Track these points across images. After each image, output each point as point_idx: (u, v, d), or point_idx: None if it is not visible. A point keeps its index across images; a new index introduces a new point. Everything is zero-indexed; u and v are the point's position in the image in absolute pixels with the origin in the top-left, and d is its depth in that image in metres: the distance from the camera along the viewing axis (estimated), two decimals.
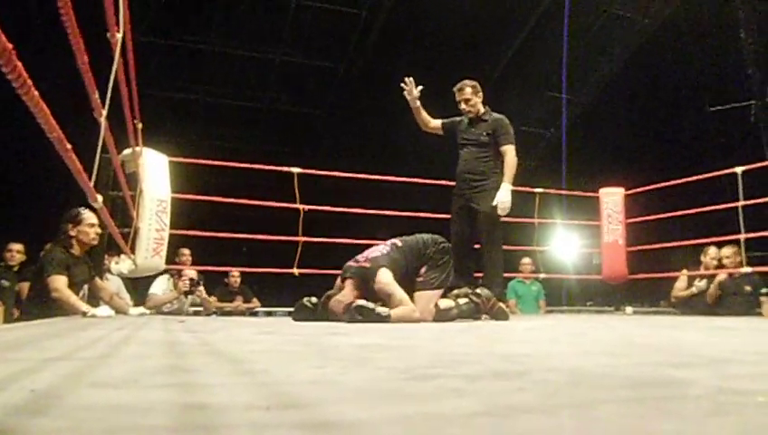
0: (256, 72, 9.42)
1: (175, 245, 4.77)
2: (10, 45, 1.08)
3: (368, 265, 3.39)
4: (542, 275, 6.48)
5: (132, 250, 4.22)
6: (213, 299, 5.96)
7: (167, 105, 8.94)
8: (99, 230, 4.00)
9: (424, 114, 4.40)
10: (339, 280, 3.50)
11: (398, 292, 3.28)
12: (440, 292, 3.50)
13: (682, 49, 9.21)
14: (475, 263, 4.39)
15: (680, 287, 5.77)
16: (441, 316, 3.38)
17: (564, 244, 8.23)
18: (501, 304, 3.80)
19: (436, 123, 4.46)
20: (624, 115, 10.20)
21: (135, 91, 3.04)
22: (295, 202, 4.98)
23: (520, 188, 5.53)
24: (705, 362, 1.33)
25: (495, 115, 4.32)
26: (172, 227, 4.48)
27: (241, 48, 9.01)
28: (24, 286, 4.90)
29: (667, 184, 5.92)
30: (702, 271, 5.65)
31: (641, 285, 6.98)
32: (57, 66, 3.62)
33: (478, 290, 3.68)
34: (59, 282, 3.66)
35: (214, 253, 5.79)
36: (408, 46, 8.99)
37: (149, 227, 4.32)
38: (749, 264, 5.27)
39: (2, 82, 1.19)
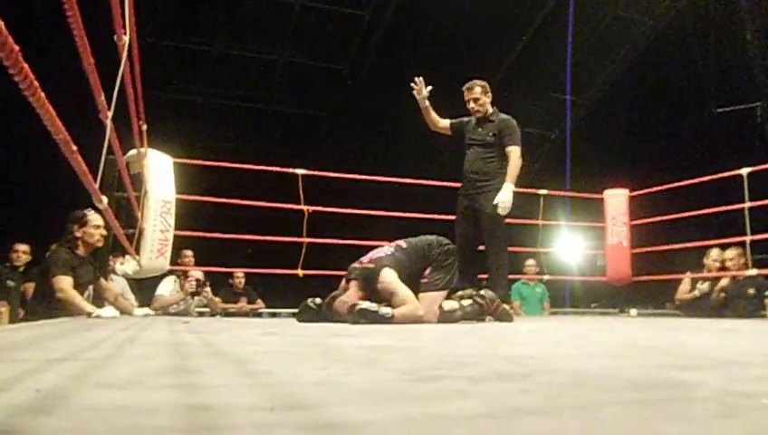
0: (261, 73, 9.43)
1: (177, 246, 4.77)
2: (17, 47, 1.08)
3: (372, 265, 3.39)
4: (546, 277, 6.47)
5: (137, 251, 4.24)
6: (217, 300, 5.97)
7: (171, 107, 8.97)
8: (104, 232, 4.02)
9: (433, 114, 4.42)
10: (343, 281, 3.50)
11: (402, 290, 3.28)
12: (444, 293, 3.50)
13: (687, 50, 9.18)
14: (480, 264, 4.38)
15: (684, 290, 5.75)
16: (445, 318, 3.38)
17: (568, 245, 8.21)
18: (505, 306, 3.79)
19: (444, 123, 4.48)
20: (629, 116, 10.17)
21: (140, 92, 3.05)
22: (299, 203, 4.99)
23: (524, 190, 5.53)
24: (711, 364, 1.33)
25: (503, 116, 4.32)
26: (176, 228, 4.49)
27: (245, 49, 9.03)
28: (30, 287, 4.92)
29: (671, 186, 5.90)
30: (705, 273, 5.63)
31: (646, 287, 6.96)
32: (63, 68, 3.63)
33: (482, 292, 3.67)
34: (64, 282, 3.67)
35: (218, 254, 5.80)
36: (411, 47, 8.99)
37: (154, 227, 4.34)
38: (754, 266, 5.25)
39: (8, 84, 1.19)
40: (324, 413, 0.69)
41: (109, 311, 3.66)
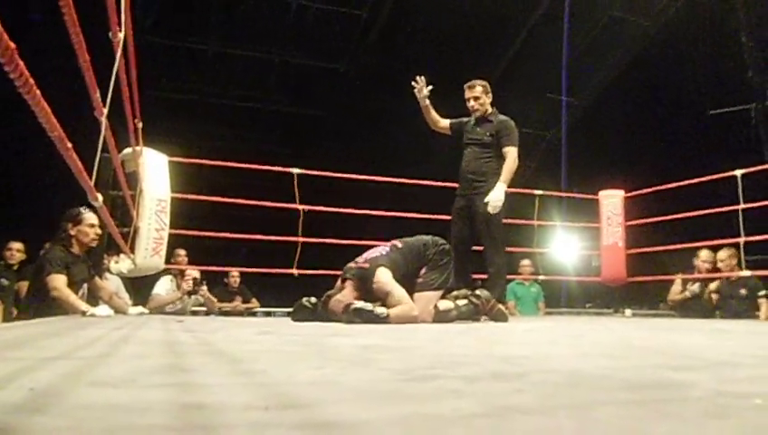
0: (257, 72, 9.42)
1: (172, 245, 4.76)
2: (12, 45, 1.08)
3: (367, 265, 3.39)
4: (541, 277, 6.49)
5: (132, 249, 4.22)
6: (214, 299, 5.96)
7: (167, 105, 8.94)
8: (99, 231, 4.00)
9: (433, 113, 4.43)
10: (339, 281, 3.50)
11: (397, 290, 3.28)
12: (440, 293, 3.50)
13: (682, 52, 9.21)
14: (474, 264, 4.39)
15: (676, 291, 5.81)
16: (440, 318, 3.38)
17: (564, 246, 8.23)
18: (500, 306, 3.80)
19: (444, 123, 4.49)
20: (624, 117, 10.19)
21: (136, 90, 3.04)
22: (295, 203, 4.98)
23: (520, 190, 5.55)
24: (704, 364, 1.34)
25: (501, 117, 4.33)
26: (171, 227, 4.48)
27: (242, 48, 9.01)
28: (24, 285, 4.90)
29: (666, 187, 5.92)
30: (696, 274, 5.67)
31: (640, 288, 6.99)
32: (58, 65, 3.62)
33: (477, 291, 3.68)
34: (58, 281, 3.66)
35: (213, 253, 5.79)
36: (407, 47, 8.99)
37: (149, 226, 4.32)
38: (747, 268, 5.28)
39: (4, 81, 1.19)
40: (319, 413, 0.69)
41: (103, 310, 3.65)
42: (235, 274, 6.42)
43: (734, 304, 5.32)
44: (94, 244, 4.03)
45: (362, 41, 9.17)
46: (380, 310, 3.13)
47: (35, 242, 5.23)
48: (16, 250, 5.70)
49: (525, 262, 6.65)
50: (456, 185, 4.48)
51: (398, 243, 3.58)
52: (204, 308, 5.75)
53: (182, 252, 5.63)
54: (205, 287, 5.50)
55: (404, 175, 5.68)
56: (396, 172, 5.66)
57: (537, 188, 6.08)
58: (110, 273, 4.58)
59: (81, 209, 3.90)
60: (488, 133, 4.28)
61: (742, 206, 5.13)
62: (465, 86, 4.39)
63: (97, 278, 4.18)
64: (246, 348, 1.65)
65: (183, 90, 9.34)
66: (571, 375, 1.07)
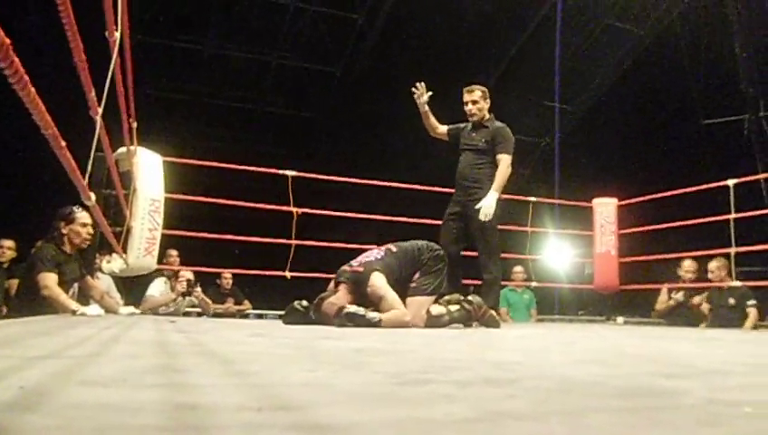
0: (253, 74, 9.42)
1: (164, 245, 4.74)
2: (7, 41, 1.08)
3: (361, 269, 3.39)
4: (533, 284, 6.49)
5: (124, 249, 4.20)
6: (209, 301, 5.93)
7: (162, 105, 8.93)
8: (91, 230, 3.98)
9: (432, 119, 4.44)
10: (332, 284, 3.49)
11: (390, 294, 3.28)
12: (432, 298, 3.50)
13: (677, 62, 9.27)
14: (464, 269, 4.40)
15: (662, 301, 5.89)
16: (433, 323, 3.38)
17: (557, 253, 8.25)
18: (492, 312, 3.80)
19: (442, 129, 4.50)
20: (618, 126, 10.25)
21: (131, 90, 3.03)
22: (289, 205, 4.97)
23: (513, 197, 5.56)
24: (695, 372, 1.34)
25: (498, 124, 4.33)
26: (164, 227, 4.46)
27: (238, 50, 9.01)
28: (14, 283, 4.87)
29: (660, 195, 5.95)
30: (680, 284, 5.73)
31: (633, 296, 7.00)
32: (54, 63, 3.61)
33: (470, 297, 3.68)
34: (49, 279, 3.64)
35: (206, 254, 5.77)
36: (403, 52, 9.02)
37: (142, 226, 4.30)
38: (737, 278, 5.32)
39: None
40: (311, 414, 0.69)
41: (94, 309, 3.63)
42: (227, 275, 6.40)
43: (724, 313, 5.37)
44: (86, 243, 4.01)
45: (358, 45, 9.19)
46: (372, 315, 3.12)
47: (27, 240, 5.20)
48: (7, 248, 5.66)
49: (518, 269, 6.66)
50: (450, 190, 4.48)
51: (392, 247, 3.58)
52: (198, 309, 5.72)
53: (174, 252, 5.60)
54: (199, 289, 5.47)
55: (399, 179, 5.68)
56: (390, 176, 5.66)
57: (531, 195, 6.09)
58: (102, 272, 4.55)
59: (74, 208, 3.88)
60: (483, 140, 4.28)
61: (733, 215, 5.16)
62: (465, 90, 4.39)
63: (89, 277, 4.16)
64: (239, 350, 1.64)
65: (178, 90, 9.32)
66: (563, 382, 1.07)
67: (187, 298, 5.44)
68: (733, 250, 5.16)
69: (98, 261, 4.50)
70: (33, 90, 1.30)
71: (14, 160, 7.66)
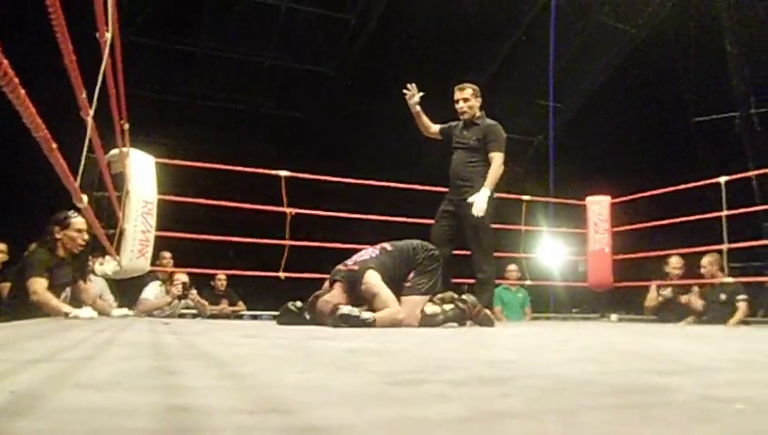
0: (246, 75, 9.39)
1: (157, 247, 4.72)
2: None
3: (356, 267, 3.39)
4: (527, 282, 6.51)
5: (117, 251, 4.18)
6: (205, 302, 5.91)
7: (154, 106, 8.88)
8: (86, 237, 3.94)
9: (424, 119, 4.44)
10: (327, 283, 3.49)
11: (384, 292, 3.29)
12: (427, 298, 3.51)
13: (669, 60, 9.32)
14: (458, 268, 4.41)
15: (652, 298, 5.95)
16: (427, 322, 3.39)
17: (550, 251, 8.26)
18: (486, 311, 3.81)
19: (435, 129, 4.51)
20: (611, 124, 10.28)
21: (123, 91, 3.02)
22: (282, 206, 4.96)
23: (507, 196, 5.57)
24: (687, 369, 1.35)
25: (489, 121, 4.33)
26: (157, 229, 4.45)
27: (230, 51, 8.98)
28: (5, 286, 4.83)
29: (653, 193, 5.98)
30: (668, 280, 5.78)
31: (626, 293, 7.03)
32: (44, 64, 3.58)
33: (464, 296, 3.69)
34: (38, 285, 3.60)
35: (200, 255, 5.75)
36: (396, 52, 9.01)
37: (135, 228, 4.29)
38: (730, 274, 5.36)
39: None
40: (305, 416, 0.69)
41: (87, 311, 3.60)
42: (221, 276, 6.38)
43: (715, 308, 5.42)
44: (80, 249, 3.98)
45: (351, 45, 9.18)
46: (366, 315, 3.13)
47: (19, 243, 5.16)
48: None
49: (512, 267, 6.67)
50: (444, 189, 4.49)
51: (387, 246, 3.58)
52: (193, 311, 5.70)
53: (167, 254, 5.58)
54: (194, 292, 5.46)
55: (392, 179, 5.68)
56: (384, 176, 5.66)
57: (524, 194, 6.11)
58: (95, 274, 4.53)
59: (70, 213, 3.84)
60: (475, 138, 4.29)
61: (725, 212, 5.20)
62: (456, 88, 4.39)
63: (81, 282, 4.13)
64: (232, 351, 1.64)
65: (171, 91, 9.28)
66: (558, 380, 1.07)
67: (183, 301, 5.43)
68: (725, 247, 5.20)
69: (91, 263, 4.48)
70: (22, 91, 1.29)
71: (5, 162, 7.60)
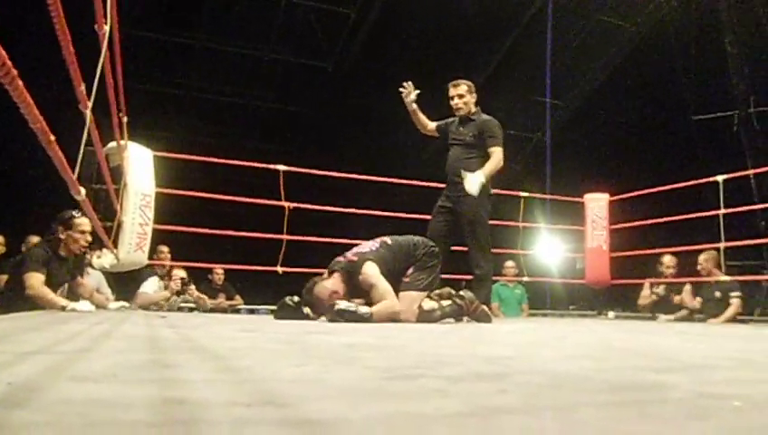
0: (244, 68, 9.37)
1: (154, 241, 4.71)
2: None
3: (355, 259, 3.40)
4: (525, 279, 6.52)
5: (115, 244, 4.18)
6: (204, 297, 5.90)
7: (152, 99, 8.86)
8: (89, 238, 3.94)
9: (421, 117, 4.44)
10: (326, 274, 3.50)
11: (381, 283, 3.29)
12: (425, 294, 3.51)
13: (668, 58, 9.30)
14: (454, 265, 4.41)
15: (645, 296, 5.99)
16: (424, 318, 3.39)
17: (548, 248, 8.27)
18: (484, 307, 3.81)
19: (431, 126, 4.50)
20: (610, 121, 10.28)
21: (121, 84, 3.01)
22: (280, 200, 4.96)
23: (505, 192, 5.57)
24: (683, 366, 1.35)
25: (484, 117, 4.33)
26: (155, 222, 4.44)
27: (229, 45, 8.96)
28: (2, 278, 4.83)
29: (651, 191, 5.99)
30: (662, 278, 5.81)
31: (624, 290, 7.04)
32: (43, 57, 3.57)
33: (462, 292, 3.69)
34: (34, 279, 3.60)
35: (197, 249, 5.75)
36: (396, 47, 9.00)
37: (133, 221, 4.28)
38: (726, 271, 5.38)
39: None
40: (301, 410, 0.69)
41: (84, 305, 3.60)
42: (219, 271, 6.38)
43: (710, 305, 5.46)
44: (83, 250, 3.98)
45: (350, 40, 9.16)
46: (364, 310, 3.13)
47: (17, 236, 5.16)
48: None
49: (509, 263, 6.68)
50: (442, 185, 4.48)
51: (387, 239, 3.59)
52: (191, 305, 5.70)
53: (165, 248, 5.57)
54: (193, 287, 5.45)
55: (390, 174, 5.68)
56: (382, 171, 5.65)
57: (522, 190, 6.11)
58: (93, 268, 4.53)
59: (74, 214, 3.84)
60: (471, 133, 4.28)
61: (722, 211, 5.21)
62: (450, 84, 4.39)
63: (78, 277, 4.12)
64: (229, 345, 1.64)
65: (170, 84, 9.26)
66: (555, 376, 1.07)
67: (181, 296, 5.42)
68: (722, 245, 5.22)
69: (88, 256, 4.48)
70: (20, 84, 1.29)
71: (3, 155, 7.58)
